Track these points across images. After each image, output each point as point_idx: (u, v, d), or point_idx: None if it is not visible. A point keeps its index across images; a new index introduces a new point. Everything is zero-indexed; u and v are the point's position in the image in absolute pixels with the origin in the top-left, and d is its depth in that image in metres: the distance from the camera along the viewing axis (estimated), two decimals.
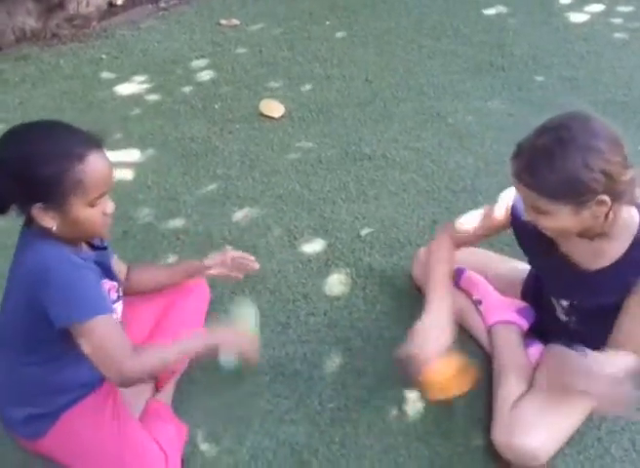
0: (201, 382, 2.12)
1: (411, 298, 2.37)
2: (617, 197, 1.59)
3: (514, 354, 1.99)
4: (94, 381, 1.86)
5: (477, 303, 2.20)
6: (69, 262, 1.64)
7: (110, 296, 1.81)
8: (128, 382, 1.69)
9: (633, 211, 1.70)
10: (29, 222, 1.67)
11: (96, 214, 1.66)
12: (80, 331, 1.63)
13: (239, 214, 2.81)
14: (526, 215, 1.71)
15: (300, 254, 2.60)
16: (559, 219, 1.63)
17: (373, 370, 2.15)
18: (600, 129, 1.58)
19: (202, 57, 3.99)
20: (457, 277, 2.24)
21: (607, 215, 1.63)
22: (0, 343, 1.81)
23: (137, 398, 1.94)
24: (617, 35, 4.02)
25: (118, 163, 3.12)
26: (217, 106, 3.52)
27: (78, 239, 1.75)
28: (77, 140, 1.63)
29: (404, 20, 4.26)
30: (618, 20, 4.18)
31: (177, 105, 3.54)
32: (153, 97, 3.62)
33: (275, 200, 2.88)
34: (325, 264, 2.55)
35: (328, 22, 4.28)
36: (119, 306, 1.87)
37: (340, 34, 4.16)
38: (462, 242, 2.08)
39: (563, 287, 1.93)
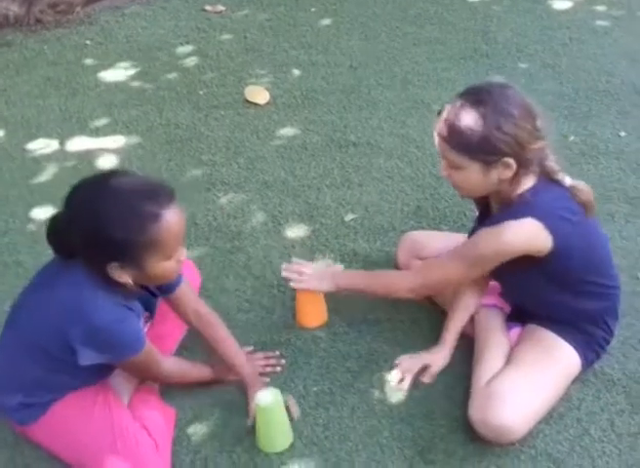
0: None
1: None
2: (523, 164, 1.74)
3: (495, 336, 2.02)
4: (88, 384, 1.88)
5: None
6: (112, 314, 1.66)
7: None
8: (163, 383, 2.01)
9: (530, 179, 1.80)
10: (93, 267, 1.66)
11: (171, 265, 1.68)
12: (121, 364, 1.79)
13: (224, 200, 2.82)
14: (442, 170, 1.86)
15: (285, 240, 2.62)
16: (469, 176, 1.79)
17: (357, 354, 2.17)
18: (515, 97, 1.74)
19: (187, 43, 3.98)
20: None
21: (512, 181, 1.77)
22: (13, 336, 1.81)
23: (125, 383, 1.96)
24: (599, 23, 4.03)
25: (103, 149, 3.13)
26: (202, 93, 3.52)
27: (149, 286, 1.80)
28: (150, 197, 1.60)
29: (389, 7, 4.25)
30: (601, 8, 4.19)
31: (161, 92, 3.54)
32: (138, 84, 3.62)
33: (260, 186, 2.89)
34: (309, 250, 2.57)
35: (313, 9, 4.27)
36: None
37: (325, 21, 4.16)
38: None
39: None
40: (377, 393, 2.05)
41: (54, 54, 3.88)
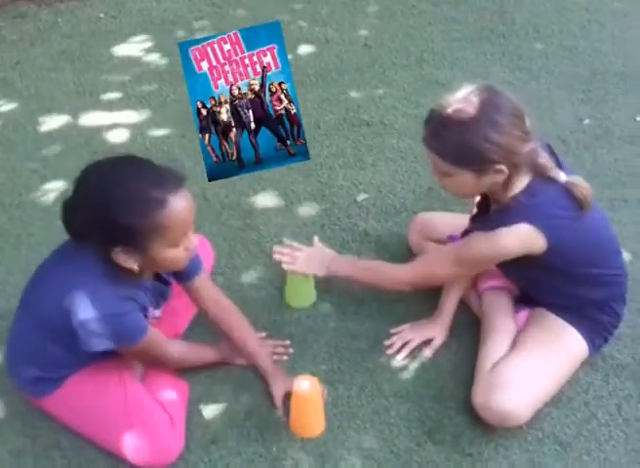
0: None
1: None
2: (515, 167, 1.73)
3: (503, 318, 2.02)
4: (101, 361, 1.89)
5: None
6: (114, 308, 1.66)
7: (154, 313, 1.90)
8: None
9: (524, 180, 1.78)
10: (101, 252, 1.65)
11: (178, 252, 1.67)
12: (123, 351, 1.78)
13: (236, 178, 2.81)
14: (432, 175, 1.87)
15: (297, 219, 2.62)
16: (460, 181, 1.78)
17: (366, 334, 2.18)
18: (503, 103, 1.71)
19: (201, 18, 3.95)
20: (450, 243, 2.26)
21: (506, 183, 1.76)
22: (26, 313, 1.82)
23: None
24: (618, 5, 3.99)
25: (115, 124, 3.13)
26: None
27: (155, 272, 1.79)
28: (157, 183, 1.60)
29: None
30: None
31: (175, 67, 3.50)
32: (151, 59, 3.61)
33: None
34: (321, 229, 2.57)
35: None
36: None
37: None
38: None
39: None
40: (385, 373, 2.07)
41: (68, 26, 3.87)
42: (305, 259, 2.18)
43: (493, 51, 3.60)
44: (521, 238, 1.77)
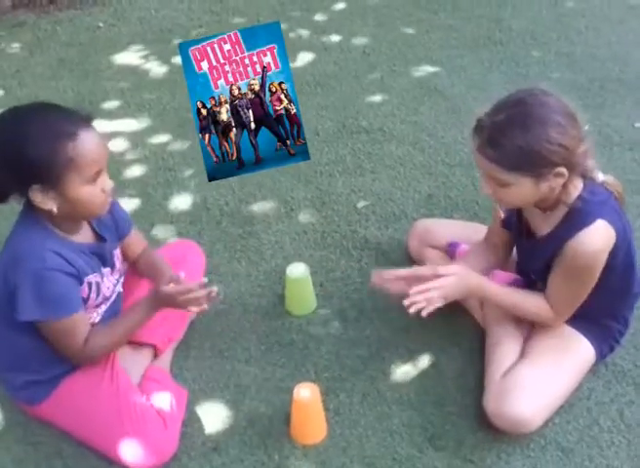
0: (199, 349, 2.16)
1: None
2: (572, 169, 1.69)
3: (507, 325, 2.02)
4: None
5: None
6: (43, 261, 1.65)
7: (111, 278, 1.88)
8: (84, 364, 1.85)
9: (578, 182, 1.76)
10: (30, 205, 1.68)
11: (95, 191, 1.67)
12: (39, 326, 1.73)
13: (236, 185, 2.82)
14: (484, 189, 1.79)
15: (297, 226, 2.62)
16: (518, 191, 1.72)
17: (367, 341, 2.18)
18: (557, 104, 1.68)
19: (199, 26, 3.97)
20: (452, 250, 2.26)
21: (565, 186, 1.72)
22: None
23: (135, 365, 1.97)
24: (615, 11, 4.01)
25: (115, 133, 3.13)
26: None
27: (78, 219, 1.76)
28: (66, 119, 1.63)
29: None
30: None
31: (174, 75, 3.53)
32: (150, 67, 3.62)
33: (272, 171, 2.88)
34: (321, 236, 2.57)
35: None
36: (119, 285, 1.95)
37: (339, 5, 4.15)
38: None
39: (521, 256, 2.02)
40: (387, 380, 2.06)
41: (67, 35, 3.88)
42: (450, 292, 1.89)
43: (490, 58, 3.61)
44: (604, 234, 1.73)
